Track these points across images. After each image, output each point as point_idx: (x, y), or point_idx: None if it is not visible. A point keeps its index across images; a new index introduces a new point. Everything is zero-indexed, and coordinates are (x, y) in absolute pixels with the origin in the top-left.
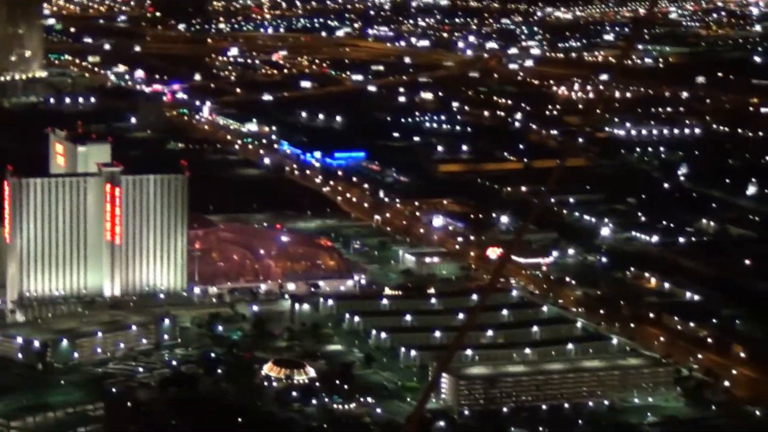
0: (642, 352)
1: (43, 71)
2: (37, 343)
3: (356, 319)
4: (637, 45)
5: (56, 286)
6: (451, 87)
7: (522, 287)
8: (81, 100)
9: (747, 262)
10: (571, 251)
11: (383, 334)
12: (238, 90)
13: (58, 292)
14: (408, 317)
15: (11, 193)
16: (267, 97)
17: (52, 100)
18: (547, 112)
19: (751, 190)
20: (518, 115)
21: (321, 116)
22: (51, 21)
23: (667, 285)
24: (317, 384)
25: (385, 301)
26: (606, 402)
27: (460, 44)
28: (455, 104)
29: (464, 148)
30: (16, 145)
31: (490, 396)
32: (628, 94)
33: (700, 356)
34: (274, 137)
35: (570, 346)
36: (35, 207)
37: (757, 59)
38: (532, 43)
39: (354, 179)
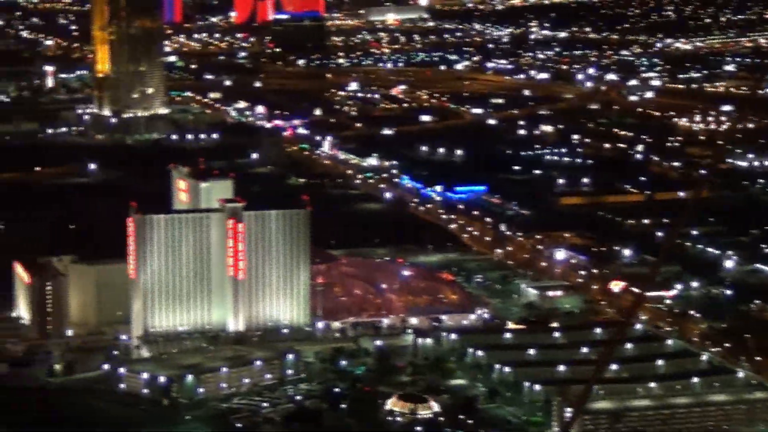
0: None
1: (165, 108)
2: (162, 379)
3: (479, 353)
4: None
5: (181, 321)
6: (571, 119)
7: (646, 320)
8: (203, 136)
9: None
10: (694, 284)
11: (506, 368)
12: (358, 124)
13: (182, 327)
14: (531, 351)
15: (135, 229)
16: (387, 132)
17: (174, 137)
18: (669, 144)
19: None
20: (639, 147)
21: (441, 150)
22: (172, 58)
23: None
24: (441, 418)
25: (507, 335)
26: None
27: (580, 76)
28: (575, 136)
29: (585, 180)
30: (139, 181)
31: (615, 430)
32: (751, 125)
33: None
34: (394, 171)
35: (695, 379)
36: (159, 243)
37: None
38: (651, 75)
39: (475, 212)
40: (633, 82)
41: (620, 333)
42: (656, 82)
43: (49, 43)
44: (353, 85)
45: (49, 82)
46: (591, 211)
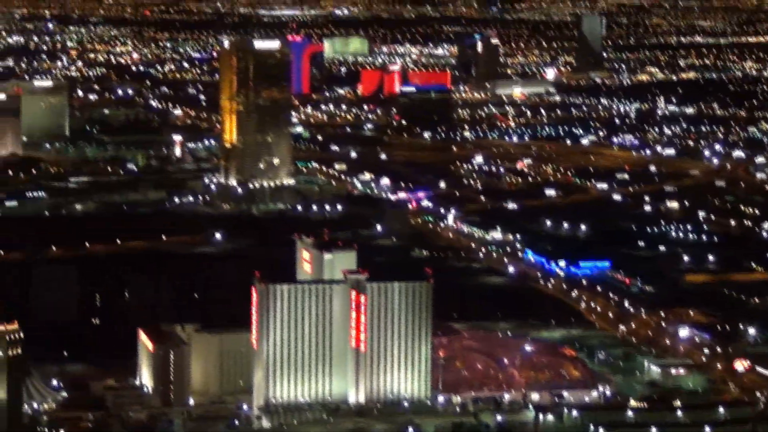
0: None
1: (290, 179)
2: None
3: (601, 430)
4: None
5: (302, 392)
6: (697, 195)
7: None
8: (327, 207)
9: None
10: None
11: None
12: (482, 198)
13: (303, 398)
14: (654, 429)
15: (258, 299)
16: (511, 205)
17: (299, 207)
18: None
19: None
20: (766, 225)
21: (565, 224)
22: (299, 129)
23: None
24: None
25: (630, 413)
26: None
27: (707, 152)
28: (701, 213)
29: (710, 257)
30: (263, 251)
31: None
32: None
33: None
34: (518, 245)
35: None
36: (282, 313)
37: None
38: None
39: (598, 288)
40: (760, 159)
41: (744, 413)
42: None
43: (177, 112)
44: (478, 159)
45: (177, 152)
46: (716, 289)
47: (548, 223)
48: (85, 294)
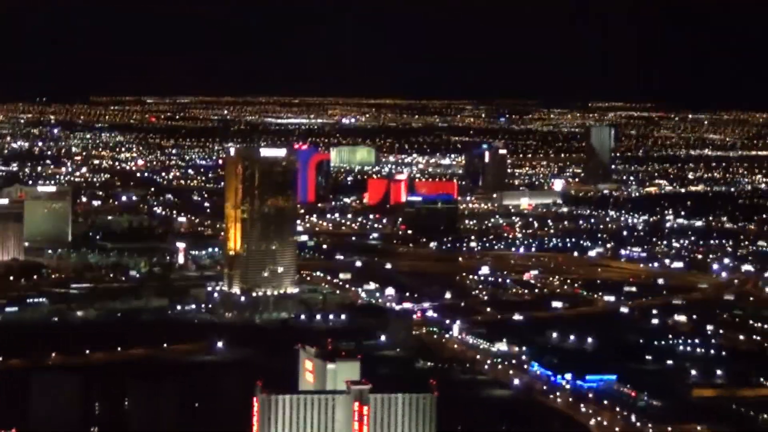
0: None
1: (294, 287)
2: None
3: None
4: None
5: None
6: (705, 310)
7: None
8: (331, 317)
9: None
10: None
11: None
12: (488, 309)
13: None
14: None
15: (260, 408)
16: (517, 317)
17: (303, 317)
18: None
19: None
20: None
21: (572, 337)
22: (304, 238)
23: None
24: None
25: None
26: None
27: (715, 266)
28: (710, 327)
29: (719, 372)
30: (266, 360)
31: None
32: None
33: None
34: (524, 358)
35: None
36: (284, 424)
37: None
38: None
39: (605, 402)
40: None
41: None
42: None
43: (182, 219)
44: (484, 269)
45: (180, 259)
46: (725, 404)
47: (555, 335)
48: (85, 402)
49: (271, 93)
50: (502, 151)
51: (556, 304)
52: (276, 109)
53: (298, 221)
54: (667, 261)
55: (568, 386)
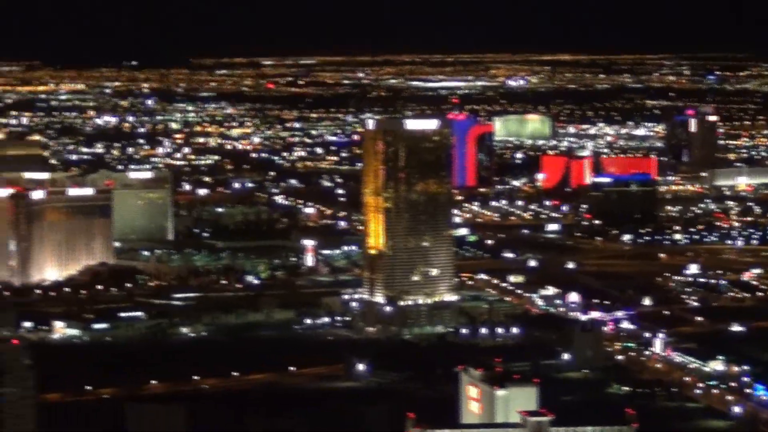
0: None
1: (453, 295)
2: None
3: None
4: None
5: None
6: None
7: None
8: (500, 330)
9: None
10: None
11: None
12: (699, 318)
13: None
14: None
15: None
16: (737, 328)
17: (464, 331)
18: None
19: None
20: None
21: None
22: (463, 231)
23: None
24: None
25: None
26: None
27: None
28: None
29: None
30: (419, 387)
31: None
32: None
33: None
34: (745, 379)
35: None
36: None
37: None
38: None
39: None
40: None
41: None
42: None
43: (309, 210)
44: (693, 268)
45: (309, 260)
46: None
47: None
48: None
49: (417, 49)
50: (712, 118)
51: None
52: (424, 70)
53: (455, 210)
54: None
55: None
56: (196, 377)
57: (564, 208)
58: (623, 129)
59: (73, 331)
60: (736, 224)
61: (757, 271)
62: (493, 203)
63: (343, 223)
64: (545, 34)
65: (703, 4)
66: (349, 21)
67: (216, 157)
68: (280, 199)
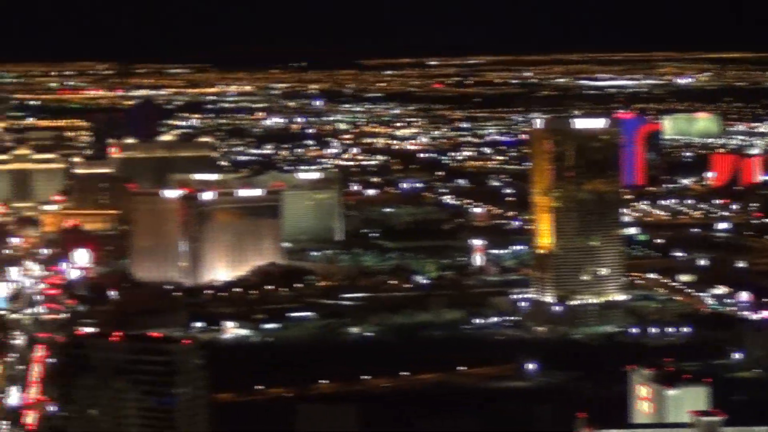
0: None
1: (622, 294)
2: None
3: None
4: None
5: None
6: None
7: None
8: (670, 330)
9: None
10: None
11: None
12: None
13: None
14: None
15: None
16: None
17: (633, 331)
18: None
19: None
20: None
21: None
22: (632, 231)
23: None
24: None
25: None
26: None
27: None
28: None
29: None
30: (588, 386)
31: None
32: None
33: None
34: None
35: None
36: None
37: None
38: None
39: None
40: None
41: None
42: None
43: (477, 210)
44: None
45: (478, 260)
46: None
47: None
48: None
49: (585, 48)
50: None
51: None
52: (592, 69)
53: (624, 210)
54: None
55: None
56: (365, 377)
57: (734, 206)
58: None
59: (244, 331)
60: None
61: None
62: (663, 202)
63: (515, 223)
64: (712, 30)
65: None
66: (513, 19)
67: (384, 157)
68: (448, 199)
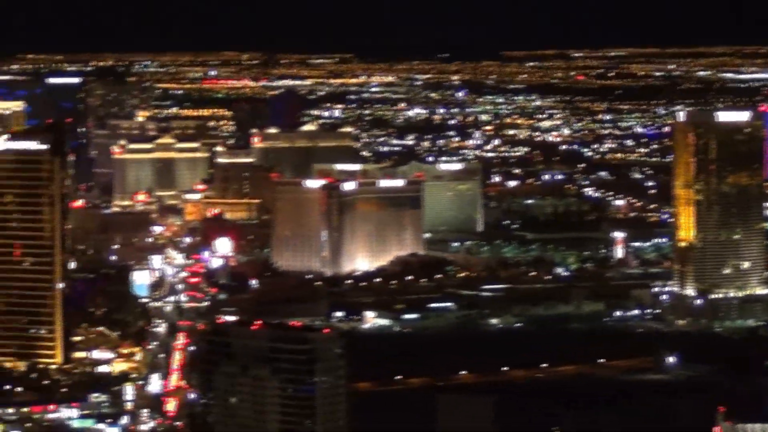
0: None
1: (764, 288)
2: None
3: None
4: None
5: None
6: None
7: None
8: None
9: None
10: None
11: None
12: None
13: None
14: None
15: None
16: None
17: None
18: None
19: None
20: None
21: None
22: None
23: None
24: None
25: None
26: None
27: None
28: None
29: None
30: (731, 381)
31: None
32: None
33: None
34: None
35: None
36: None
37: None
38: None
39: None
40: None
41: None
42: None
43: (619, 203)
44: None
45: (618, 252)
46: None
47: None
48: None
49: (729, 41)
50: None
51: None
52: (735, 62)
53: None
54: None
55: None
56: (505, 368)
57: None
58: None
59: (384, 321)
60: None
61: None
62: None
63: (657, 215)
64: None
65: None
66: (656, 10)
67: (525, 149)
68: (589, 191)
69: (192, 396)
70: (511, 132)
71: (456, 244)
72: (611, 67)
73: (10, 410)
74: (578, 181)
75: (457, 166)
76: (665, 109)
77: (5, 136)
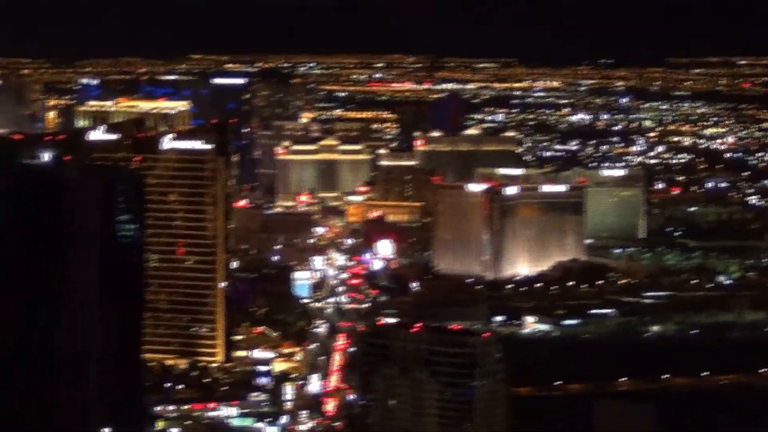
0: None
1: None
2: None
3: None
4: None
5: None
6: None
7: None
8: None
9: None
10: None
11: None
12: None
13: None
14: None
15: None
16: None
17: None
18: None
19: None
20: None
21: None
22: None
23: None
24: None
25: None
26: None
27: None
28: None
29: None
30: None
31: None
32: None
33: None
34: None
35: None
36: None
37: None
38: None
39: None
40: None
41: None
42: None
43: None
44: None
45: None
46: None
47: None
48: None
49: None
50: None
51: None
52: None
53: None
54: None
55: None
56: (665, 375)
57: None
58: None
59: (544, 326)
60: None
61: None
62: None
63: None
64: None
65: None
66: None
67: (689, 156)
68: (753, 200)
69: (351, 397)
70: (675, 139)
71: (618, 250)
72: None
73: (171, 407)
74: (742, 190)
75: (621, 173)
76: None
77: (171, 136)
